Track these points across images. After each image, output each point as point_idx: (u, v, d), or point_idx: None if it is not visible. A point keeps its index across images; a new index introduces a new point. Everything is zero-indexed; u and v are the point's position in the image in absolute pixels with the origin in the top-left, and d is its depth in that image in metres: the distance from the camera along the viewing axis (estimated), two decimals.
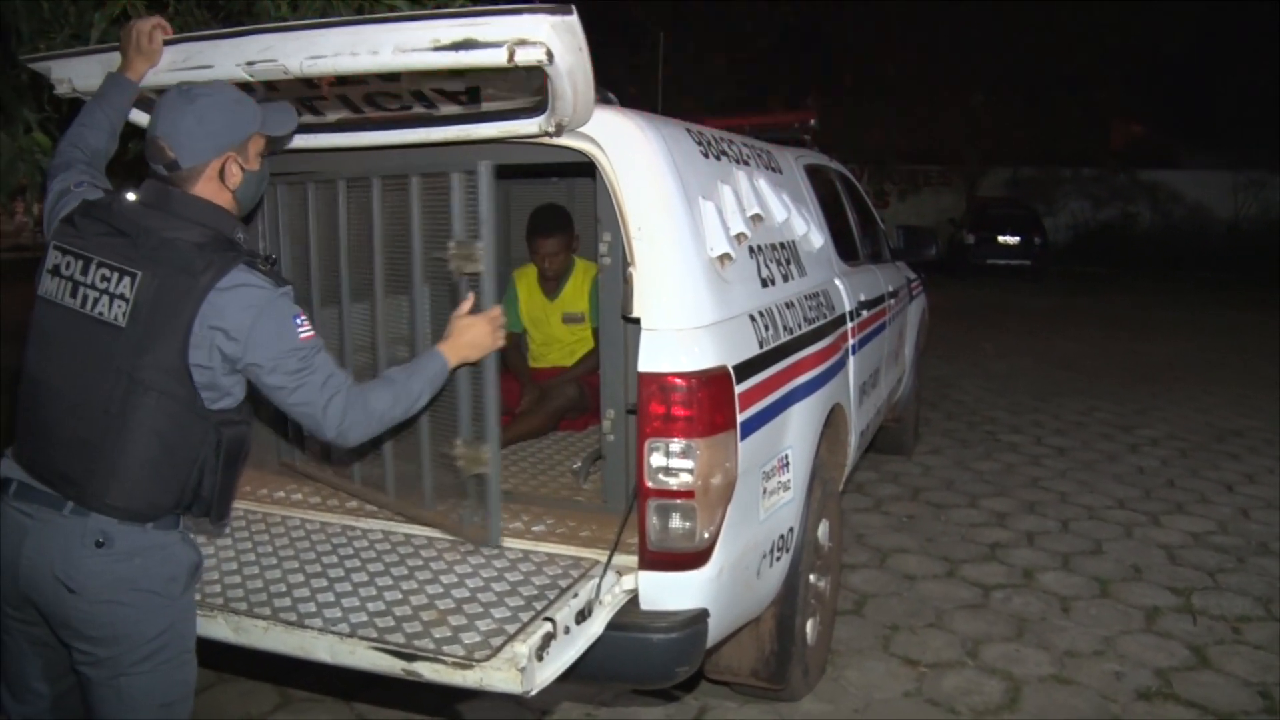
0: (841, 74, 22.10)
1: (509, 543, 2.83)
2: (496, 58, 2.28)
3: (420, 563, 2.68)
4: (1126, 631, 4.03)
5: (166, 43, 2.62)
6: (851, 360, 4.06)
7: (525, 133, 2.60)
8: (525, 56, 2.26)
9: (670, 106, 3.77)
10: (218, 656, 3.40)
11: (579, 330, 4.55)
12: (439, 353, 2.45)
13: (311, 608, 2.40)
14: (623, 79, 3.53)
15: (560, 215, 4.42)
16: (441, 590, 2.49)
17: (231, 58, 2.56)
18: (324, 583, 2.55)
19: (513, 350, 4.62)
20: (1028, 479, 6.20)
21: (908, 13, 21.44)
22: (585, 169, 2.75)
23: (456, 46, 2.30)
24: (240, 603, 2.44)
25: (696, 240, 2.68)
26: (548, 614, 2.30)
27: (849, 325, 4.06)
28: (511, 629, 2.25)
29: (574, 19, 2.31)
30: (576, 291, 4.50)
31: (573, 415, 4.26)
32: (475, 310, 2.63)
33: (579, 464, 3.47)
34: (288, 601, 2.44)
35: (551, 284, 4.52)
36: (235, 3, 4.21)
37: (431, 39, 2.32)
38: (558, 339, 4.61)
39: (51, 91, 3.93)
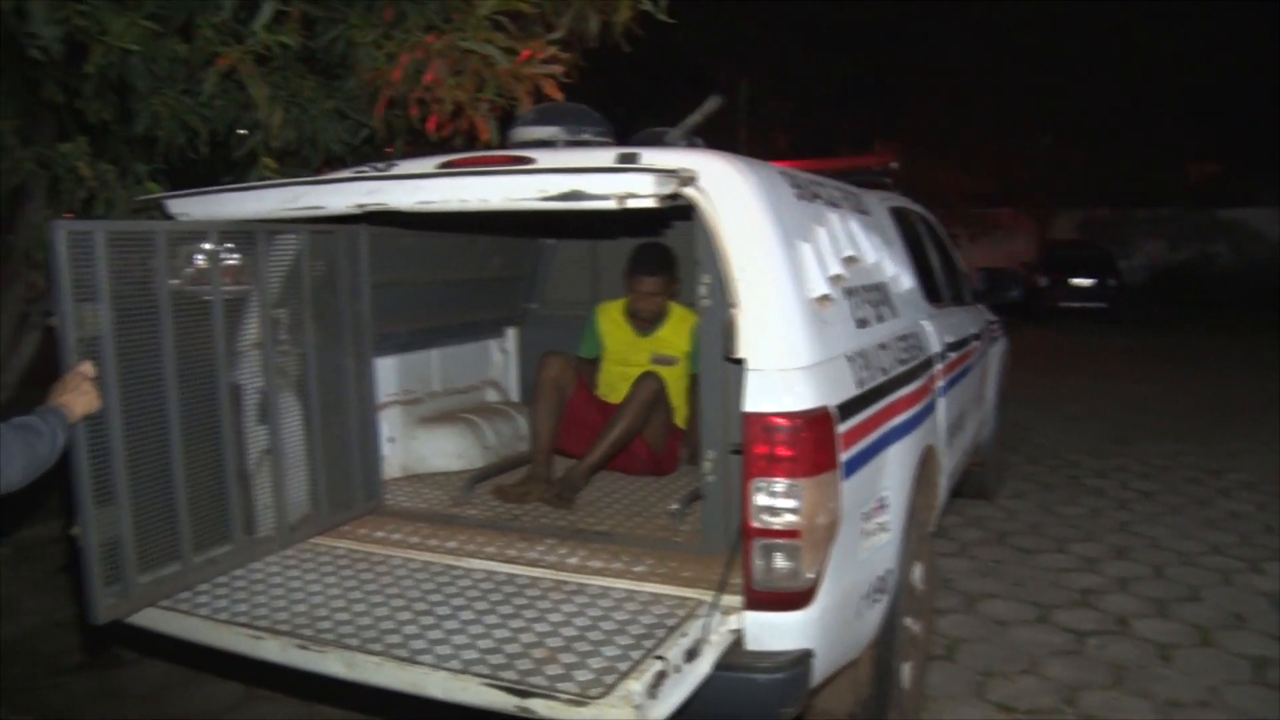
0: (906, 120, 22.08)
1: (613, 583, 2.85)
2: (605, 204, 2.43)
3: (525, 602, 2.70)
4: (1232, 682, 3.92)
5: (274, 185, 2.84)
6: (941, 402, 4.04)
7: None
8: (636, 204, 2.42)
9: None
10: (316, 689, 3.49)
11: (667, 373, 4.28)
12: (56, 407, 2.44)
13: (422, 644, 2.43)
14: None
15: (665, 256, 4.26)
16: (550, 629, 2.50)
17: (341, 200, 2.76)
18: (431, 620, 2.58)
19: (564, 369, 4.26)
20: (1115, 523, 6.08)
21: (972, 56, 21.40)
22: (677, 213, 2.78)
23: (564, 198, 2.45)
24: (352, 639, 2.48)
25: (797, 282, 2.70)
26: (659, 652, 2.30)
27: (938, 367, 4.04)
28: (624, 667, 2.25)
29: (673, 175, 2.46)
30: (674, 334, 4.34)
31: (656, 418, 4.02)
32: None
33: (676, 505, 3.48)
34: (398, 638, 2.47)
35: (645, 325, 4.37)
36: (332, 56, 4.35)
37: (539, 190, 2.48)
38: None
39: (164, 145, 4.13)
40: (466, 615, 2.60)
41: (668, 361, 4.35)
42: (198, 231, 2.89)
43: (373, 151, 4.78)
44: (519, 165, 2.98)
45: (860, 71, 21.74)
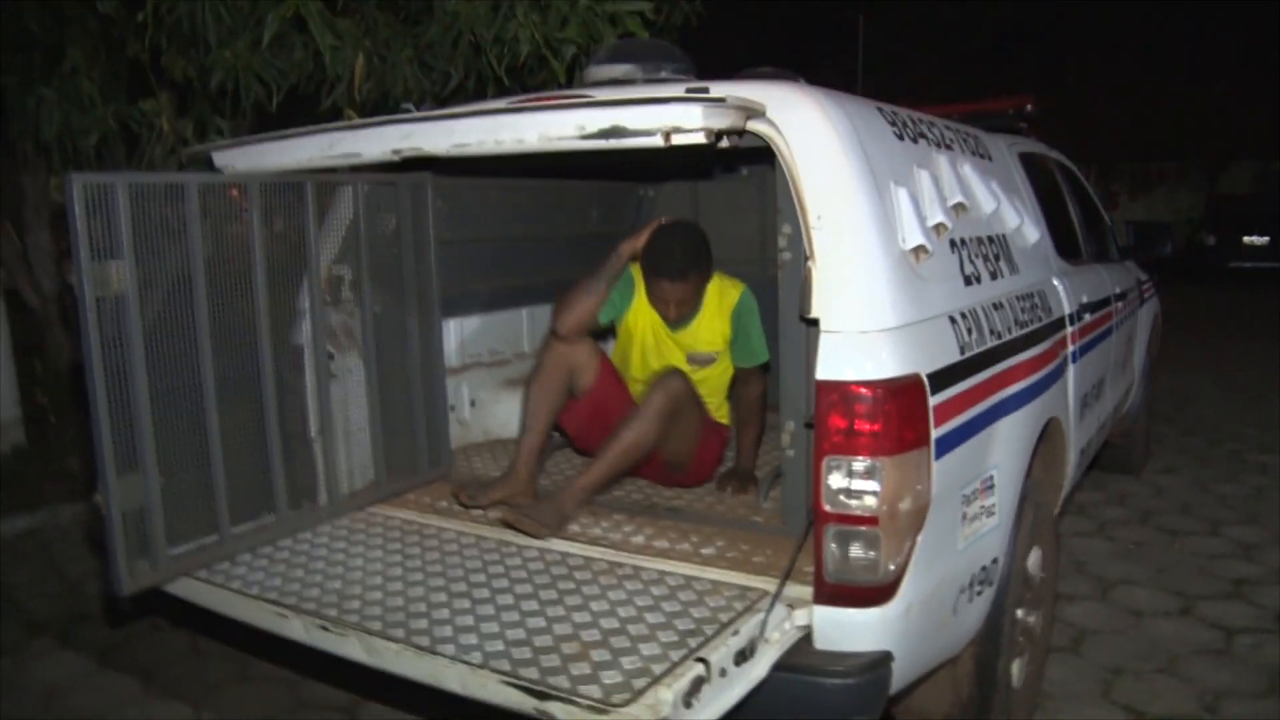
0: (1064, 72, 20.80)
1: (672, 567, 2.58)
2: (651, 142, 2.20)
3: (572, 586, 2.46)
4: None
5: (310, 132, 2.70)
6: (1071, 369, 3.61)
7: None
8: (684, 139, 2.17)
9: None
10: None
11: (703, 374, 3.48)
12: None
13: (448, 631, 2.22)
14: (829, 83, 3.20)
15: (693, 251, 3.28)
16: (589, 619, 2.26)
17: (376, 145, 2.59)
18: (466, 604, 2.37)
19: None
20: None
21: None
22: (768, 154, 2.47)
23: (605, 134, 2.24)
24: (375, 621, 2.30)
25: (886, 231, 2.35)
26: (701, 653, 2.03)
27: (1069, 330, 3.61)
28: (659, 669, 1.98)
29: (725, 105, 2.21)
30: (709, 326, 3.44)
31: (679, 429, 3.19)
32: None
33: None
34: (424, 623, 2.27)
35: (674, 321, 3.45)
36: (415, 1, 4.15)
37: (577, 127, 2.27)
38: None
39: (241, 99, 4.02)
40: (505, 599, 2.38)
41: (706, 361, 3.49)
42: (237, 183, 2.72)
43: (464, 102, 4.58)
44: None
45: (1013, 21, 20.62)
